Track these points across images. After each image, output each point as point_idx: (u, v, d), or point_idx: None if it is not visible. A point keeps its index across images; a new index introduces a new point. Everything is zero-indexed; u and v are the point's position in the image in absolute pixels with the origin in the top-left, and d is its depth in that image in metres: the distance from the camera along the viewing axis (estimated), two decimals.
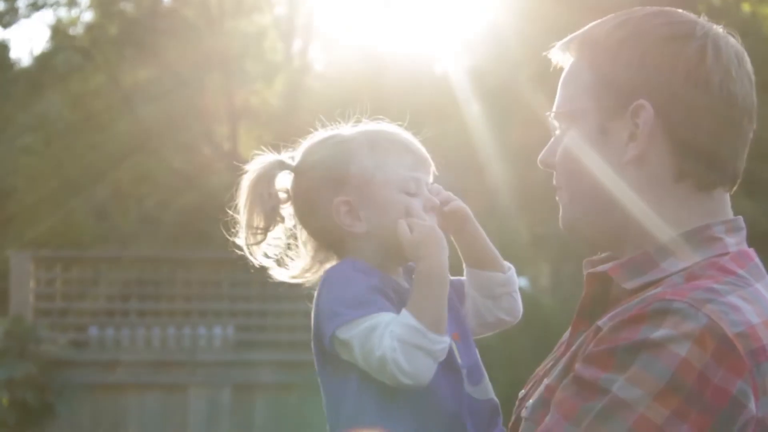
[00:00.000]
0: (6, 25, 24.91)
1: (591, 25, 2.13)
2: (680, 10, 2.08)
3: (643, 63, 2.00)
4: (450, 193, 2.46)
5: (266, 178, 2.45)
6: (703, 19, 2.07)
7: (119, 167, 23.49)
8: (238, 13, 23.73)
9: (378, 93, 20.87)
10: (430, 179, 2.44)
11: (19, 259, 13.87)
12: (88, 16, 25.40)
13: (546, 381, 2.05)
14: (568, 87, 2.14)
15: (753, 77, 2.06)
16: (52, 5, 24.66)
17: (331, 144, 2.46)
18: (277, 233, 2.49)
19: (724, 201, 2.09)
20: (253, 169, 2.46)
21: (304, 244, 2.50)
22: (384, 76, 21.28)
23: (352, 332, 2.21)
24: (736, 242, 2.04)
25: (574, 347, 2.01)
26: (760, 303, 1.91)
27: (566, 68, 2.16)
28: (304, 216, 2.47)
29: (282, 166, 2.48)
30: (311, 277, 2.49)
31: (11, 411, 12.54)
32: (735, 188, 2.12)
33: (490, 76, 17.65)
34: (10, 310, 13.58)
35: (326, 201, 2.40)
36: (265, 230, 2.45)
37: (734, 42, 2.05)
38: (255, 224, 2.44)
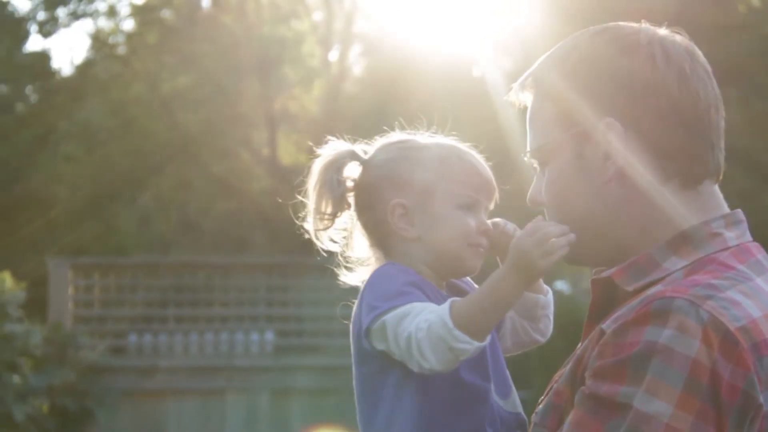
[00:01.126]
0: (47, 35, 25.09)
1: (541, 59, 2.17)
2: (624, 23, 2.12)
3: (600, 83, 2.04)
4: (514, 225, 2.46)
5: (337, 164, 2.48)
6: (645, 26, 2.11)
7: (159, 174, 23.61)
8: (276, 19, 23.79)
9: (415, 97, 20.87)
10: (491, 206, 2.48)
11: (57, 267, 13.96)
12: (127, 25, 25.59)
13: (555, 385, 2.06)
14: (534, 124, 2.17)
15: (708, 68, 2.10)
16: (92, 14, 24.83)
17: (403, 147, 2.49)
18: (344, 221, 2.52)
19: (715, 194, 2.11)
20: (325, 154, 2.49)
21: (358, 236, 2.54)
22: (422, 80, 21.26)
23: (387, 318, 2.24)
24: (736, 236, 2.05)
25: (579, 351, 2.02)
26: (759, 297, 1.92)
27: (529, 107, 2.19)
28: (362, 209, 2.50)
29: (353, 156, 2.50)
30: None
31: (51, 417, 12.61)
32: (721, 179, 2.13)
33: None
34: (49, 317, 13.67)
35: (385, 199, 2.44)
36: (333, 216, 2.48)
37: (681, 39, 2.10)
38: (323, 209, 2.47)
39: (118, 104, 24.10)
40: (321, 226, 2.49)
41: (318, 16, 24.21)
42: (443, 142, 2.49)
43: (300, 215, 2.51)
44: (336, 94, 22.16)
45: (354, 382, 2.40)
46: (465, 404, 2.30)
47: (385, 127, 2.54)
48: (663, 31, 2.10)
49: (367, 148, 2.53)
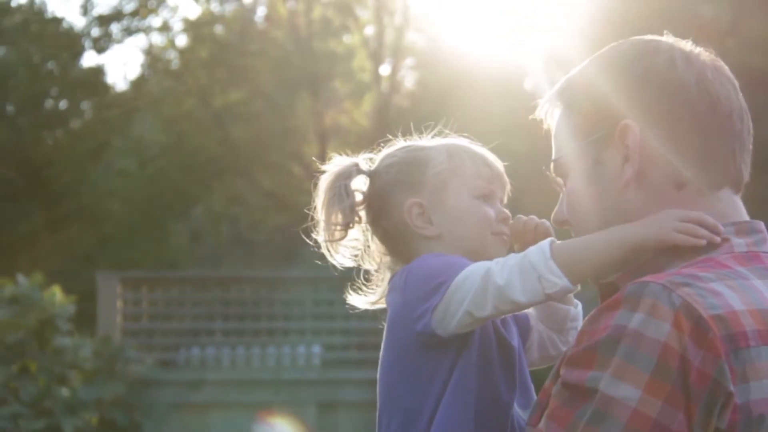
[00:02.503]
0: (101, 51, 25.37)
1: (567, 75, 2.14)
2: (647, 36, 2.08)
3: (616, 87, 2.01)
4: (534, 217, 2.43)
5: (343, 176, 2.47)
6: (667, 38, 2.07)
7: (211, 188, 23.76)
8: (327, 34, 23.89)
9: (466, 110, 20.86)
10: (505, 198, 2.46)
11: (106, 280, 14.07)
12: (180, 40, 25.79)
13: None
14: (558, 138, 2.15)
15: (734, 82, 2.03)
16: (145, 30, 25.06)
17: (409, 149, 2.49)
18: (356, 235, 2.49)
19: (734, 203, 2.04)
20: (330, 170, 2.48)
21: (374, 250, 2.51)
22: (473, 94, 21.25)
23: (449, 288, 2.18)
24: (746, 243, 1.98)
25: (565, 348, 2.00)
26: (749, 293, 1.85)
27: (554, 123, 2.16)
28: (376, 218, 2.48)
29: (358, 169, 2.50)
30: (380, 294, 2.50)
31: (100, 430, 12.69)
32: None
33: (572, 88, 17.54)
34: (98, 331, 13.78)
35: (399, 202, 2.42)
36: (345, 227, 2.46)
37: (704, 52, 2.05)
38: (333, 221, 2.45)
39: (170, 119, 24.30)
40: (332, 238, 2.46)
41: (369, 30, 24.27)
42: (448, 141, 2.49)
43: (312, 230, 2.50)
44: (386, 108, 22.19)
45: (392, 377, 2.37)
46: (489, 413, 2.27)
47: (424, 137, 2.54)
48: (686, 43, 2.06)
49: (371, 160, 2.52)
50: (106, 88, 26.14)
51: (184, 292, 14.59)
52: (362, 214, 2.50)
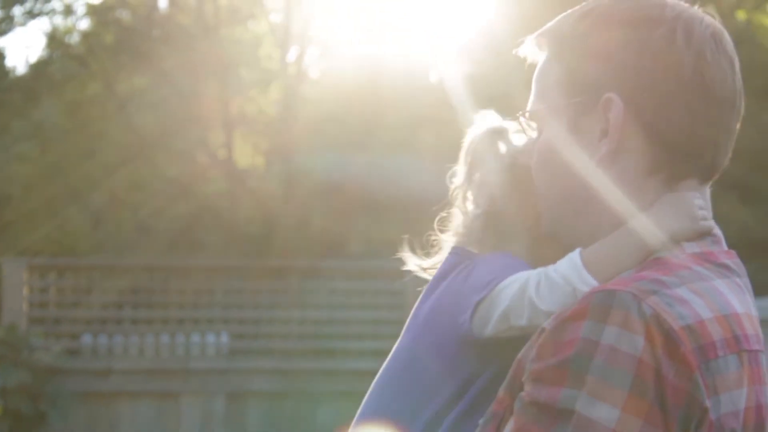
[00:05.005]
0: (2, 33, 24.88)
1: (560, 17, 2.02)
2: None
3: (608, 53, 1.89)
4: None
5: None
6: (675, 1, 1.94)
7: (114, 175, 23.46)
8: (234, 21, 23.71)
9: (374, 100, 20.88)
10: None
11: (12, 267, 13.84)
12: (84, 24, 25.41)
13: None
14: (539, 84, 2.04)
15: (735, 59, 1.93)
16: (48, 13, 24.63)
17: None
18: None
19: (701, 193, 1.97)
20: (485, 130, 2.35)
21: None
22: (380, 84, 21.27)
23: (496, 286, 2.11)
24: (698, 245, 1.94)
25: (521, 353, 1.85)
26: (714, 297, 1.78)
27: (538, 64, 2.06)
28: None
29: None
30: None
31: (5, 419, 12.50)
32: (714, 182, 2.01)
33: (486, 81, 17.66)
34: (4, 318, 13.56)
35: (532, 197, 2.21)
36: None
37: (711, 21, 1.92)
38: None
39: (73, 104, 23.93)
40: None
41: (276, 17, 24.16)
42: None
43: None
44: (293, 97, 22.09)
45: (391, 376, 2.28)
46: None
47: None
48: (694, 9, 1.93)
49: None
50: (6, 72, 25.65)
51: (93, 279, 14.42)
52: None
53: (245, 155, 23.91)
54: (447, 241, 2.38)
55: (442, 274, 2.27)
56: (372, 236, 20.39)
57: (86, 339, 13.84)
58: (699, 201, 1.94)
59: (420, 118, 20.97)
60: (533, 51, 2.07)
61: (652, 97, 1.87)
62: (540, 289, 2.04)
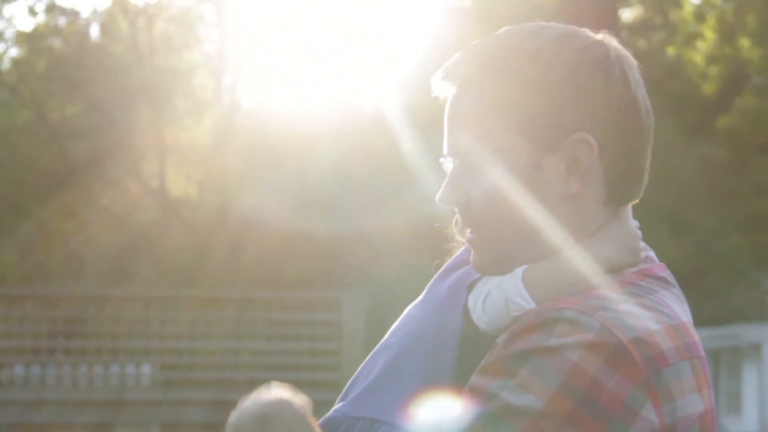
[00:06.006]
0: None
1: (489, 46, 1.99)
2: (582, 29, 1.99)
3: (575, 95, 1.91)
4: None
5: None
6: (603, 36, 1.99)
7: (44, 203, 23.25)
8: (168, 50, 23.65)
9: (308, 131, 20.89)
10: None
11: None
12: (14, 52, 25.21)
13: None
14: (475, 124, 1.99)
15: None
16: None
17: None
18: None
19: (630, 217, 2.03)
20: None
21: None
22: (314, 114, 21.31)
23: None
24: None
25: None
26: (661, 310, 1.83)
27: (470, 95, 1.99)
28: None
29: None
30: None
31: None
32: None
33: (421, 112, 17.74)
34: None
35: None
36: None
37: (629, 55, 1.99)
38: None
39: (3, 132, 23.71)
40: None
41: (210, 48, 24.14)
42: None
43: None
44: (227, 127, 22.06)
45: None
46: None
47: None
48: (616, 43, 1.97)
49: None
50: None
51: (25, 308, 14.23)
52: None
53: (178, 185, 23.81)
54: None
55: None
56: (305, 267, 20.37)
57: (18, 369, 13.64)
58: (638, 231, 2.00)
59: (354, 149, 21.02)
60: (444, 87, 2.03)
61: (618, 137, 1.92)
62: (486, 301, 2.01)
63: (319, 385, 13.42)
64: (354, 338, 14.02)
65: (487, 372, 1.79)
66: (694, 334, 1.89)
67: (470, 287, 2.10)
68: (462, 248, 2.28)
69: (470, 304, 2.07)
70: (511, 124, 1.94)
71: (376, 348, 2.21)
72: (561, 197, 1.94)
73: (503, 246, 2.01)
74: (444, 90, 2.02)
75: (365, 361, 2.21)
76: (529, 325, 1.79)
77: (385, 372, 2.16)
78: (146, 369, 13.79)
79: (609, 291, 1.84)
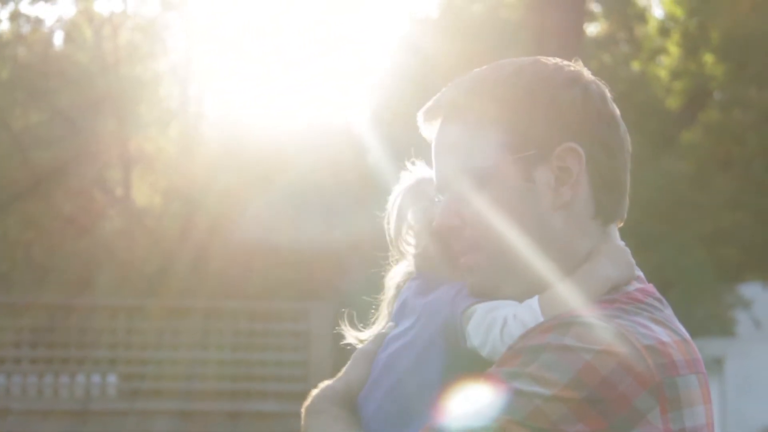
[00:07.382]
0: None
1: (471, 75, 2.08)
2: (553, 59, 2.08)
3: (559, 108, 2.00)
4: None
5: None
6: (574, 60, 2.10)
7: (6, 212, 23.09)
8: (133, 59, 23.56)
9: (274, 141, 20.85)
10: None
11: None
12: None
13: None
14: (462, 149, 2.04)
15: None
16: None
17: None
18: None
19: (618, 236, 2.10)
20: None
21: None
22: (281, 125, 21.27)
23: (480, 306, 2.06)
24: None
25: None
26: (669, 326, 1.93)
27: (457, 120, 2.07)
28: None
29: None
30: None
31: None
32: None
33: (390, 124, 17.77)
34: None
35: None
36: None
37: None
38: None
39: None
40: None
41: (176, 57, 24.07)
42: None
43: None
44: (192, 137, 22.00)
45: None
46: None
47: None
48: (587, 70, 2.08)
49: None
50: None
51: None
52: None
53: (143, 194, 23.71)
54: (393, 278, 2.35)
55: (421, 292, 2.21)
56: (271, 277, 20.31)
57: None
58: (628, 249, 2.06)
59: (320, 161, 21.00)
60: (431, 124, 2.11)
61: (601, 147, 2.01)
62: (504, 331, 1.99)
63: (286, 396, 13.40)
64: (322, 349, 14.00)
65: (502, 362, 1.87)
66: (698, 352, 1.97)
67: (465, 317, 2.06)
68: (404, 261, 2.32)
69: (471, 333, 2.04)
70: (499, 141, 2.01)
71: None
72: (554, 207, 2.00)
73: (502, 266, 2.03)
74: (429, 128, 2.11)
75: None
76: (545, 327, 1.87)
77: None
78: (112, 379, 13.72)
79: (622, 305, 1.93)
